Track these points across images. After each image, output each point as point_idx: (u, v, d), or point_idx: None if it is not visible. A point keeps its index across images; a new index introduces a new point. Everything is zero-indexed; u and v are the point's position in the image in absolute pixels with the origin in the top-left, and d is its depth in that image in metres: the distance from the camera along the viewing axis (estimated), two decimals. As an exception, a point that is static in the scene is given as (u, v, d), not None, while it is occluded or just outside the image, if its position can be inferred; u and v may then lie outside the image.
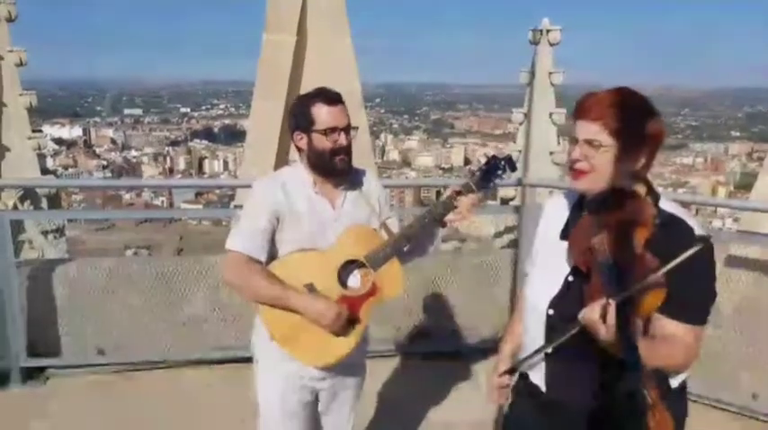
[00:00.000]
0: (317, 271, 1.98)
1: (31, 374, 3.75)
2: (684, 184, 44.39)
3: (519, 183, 4.17)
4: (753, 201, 4.72)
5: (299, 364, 2.03)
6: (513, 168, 2.00)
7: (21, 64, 5.90)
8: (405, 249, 2.06)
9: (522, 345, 1.65)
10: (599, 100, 1.42)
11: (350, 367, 2.13)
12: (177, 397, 3.58)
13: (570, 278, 1.48)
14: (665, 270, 1.25)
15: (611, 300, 1.24)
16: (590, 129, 1.42)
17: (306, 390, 2.12)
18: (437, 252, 2.21)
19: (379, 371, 3.75)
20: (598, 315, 1.25)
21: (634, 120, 1.40)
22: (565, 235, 1.53)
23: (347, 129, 1.99)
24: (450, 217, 1.98)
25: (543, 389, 1.57)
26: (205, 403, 3.50)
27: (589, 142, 1.42)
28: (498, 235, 6.42)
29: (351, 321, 1.99)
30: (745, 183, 37.50)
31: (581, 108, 1.45)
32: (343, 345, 2.00)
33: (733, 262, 3.95)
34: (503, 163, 1.97)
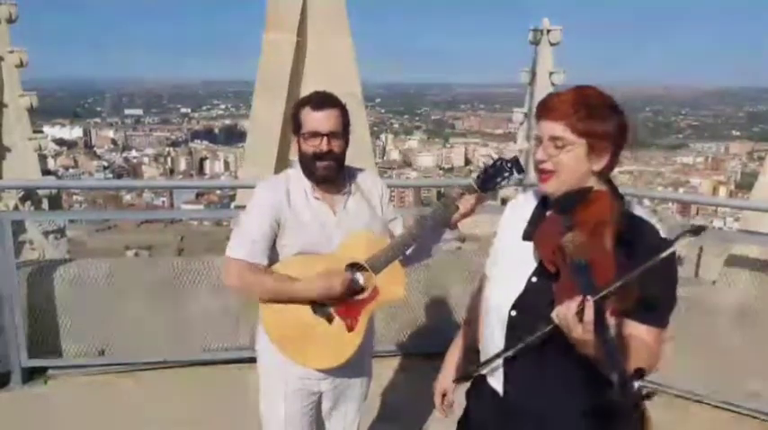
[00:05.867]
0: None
1: (31, 375, 3.75)
2: (685, 184, 44.42)
3: (519, 183, 4.17)
4: (753, 200, 4.73)
5: (300, 366, 2.02)
6: (520, 170, 1.94)
7: (21, 65, 5.92)
8: (407, 252, 2.04)
9: (482, 348, 1.62)
10: (562, 99, 1.42)
11: (354, 368, 2.11)
12: (178, 397, 3.58)
13: (534, 279, 1.46)
14: (641, 269, 1.23)
15: (588, 298, 1.22)
16: (554, 128, 1.41)
17: (308, 392, 2.11)
18: (438, 251, 2.19)
19: (380, 371, 3.74)
20: (574, 312, 1.24)
21: (597, 118, 1.39)
22: (528, 235, 1.51)
23: (332, 134, 1.94)
24: (454, 217, 1.97)
25: (501, 393, 1.54)
26: (206, 403, 3.50)
27: (554, 141, 1.42)
28: (499, 235, 6.42)
29: (354, 319, 1.98)
30: (745, 183, 37.51)
31: (544, 108, 1.45)
32: (344, 348, 1.99)
33: (733, 261, 3.96)
34: (509, 165, 1.92)
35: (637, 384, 1.44)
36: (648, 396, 1.10)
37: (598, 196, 1.42)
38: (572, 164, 1.41)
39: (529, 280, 1.46)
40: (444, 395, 1.76)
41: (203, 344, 3.93)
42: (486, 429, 1.61)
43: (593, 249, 1.31)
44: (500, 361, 1.51)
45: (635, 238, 1.35)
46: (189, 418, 3.35)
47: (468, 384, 1.68)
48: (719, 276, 3.83)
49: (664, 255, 1.24)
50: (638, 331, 1.37)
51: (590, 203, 1.40)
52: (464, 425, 1.70)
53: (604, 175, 1.46)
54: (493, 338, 1.53)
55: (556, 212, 1.45)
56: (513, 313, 1.47)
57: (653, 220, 1.43)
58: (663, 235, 1.40)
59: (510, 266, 1.53)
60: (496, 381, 1.55)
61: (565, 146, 1.41)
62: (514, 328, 1.46)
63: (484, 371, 1.58)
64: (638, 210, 1.46)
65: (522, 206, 1.61)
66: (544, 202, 1.53)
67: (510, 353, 1.47)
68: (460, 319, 4.07)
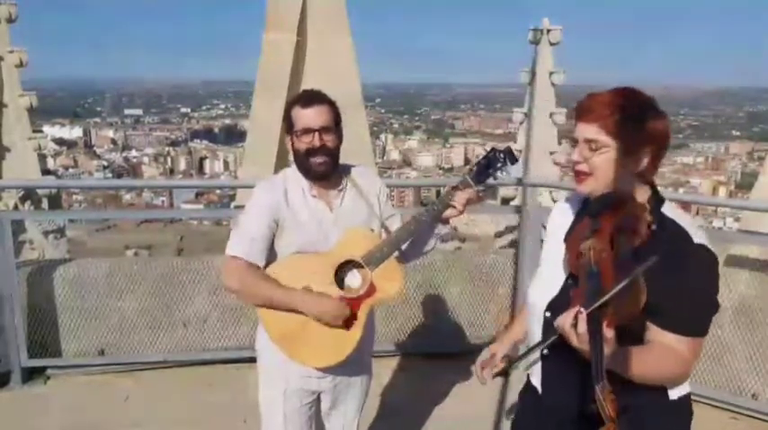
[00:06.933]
0: (314, 272, 1.96)
1: (31, 374, 3.76)
2: (685, 184, 44.37)
3: (519, 182, 4.17)
4: (753, 200, 4.73)
5: (299, 365, 2.02)
6: (514, 160, 1.93)
7: (21, 65, 5.92)
8: (404, 248, 2.05)
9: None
10: (598, 101, 1.41)
11: (353, 367, 2.12)
12: (178, 397, 3.59)
13: (570, 281, 1.47)
14: (633, 275, 1.19)
15: (581, 309, 1.21)
16: (589, 130, 1.40)
17: (308, 391, 2.12)
18: (436, 250, 2.18)
19: (380, 371, 3.74)
20: (570, 323, 1.24)
21: (633, 121, 1.37)
22: (567, 237, 1.52)
23: (324, 130, 1.95)
24: (447, 213, 1.96)
25: (540, 391, 1.57)
26: (206, 403, 3.50)
27: (588, 143, 1.41)
28: (498, 235, 6.43)
29: (351, 317, 1.98)
30: (745, 183, 37.50)
31: (580, 109, 1.44)
32: (343, 346, 1.99)
33: (733, 261, 3.96)
34: (502, 155, 1.91)
35: (688, 393, 1.43)
36: (625, 410, 1.10)
37: (629, 202, 1.39)
38: (606, 166, 1.40)
39: (565, 281, 1.48)
40: (486, 364, 1.72)
41: (203, 344, 3.93)
42: (528, 426, 1.65)
43: (607, 257, 1.30)
44: (537, 358, 1.54)
45: (664, 245, 1.32)
46: (189, 418, 3.35)
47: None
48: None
49: (643, 267, 1.19)
50: (667, 339, 1.36)
51: (616, 209, 1.37)
52: (514, 422, 1.74)
53: (645, 178, 1.45)
54: (533, 336, 1.56)
55: (588, 216, 1.45)
56: (548, 314, 1.49)
57: (688, 226, 1.40)
58: (697, 240, 1.36)
59: (551, 267, 1.55)
60: (536, 380, 1.58)
61: (599, 148, 1.39)
62: (549, 328, 1.47)
63: (523, 369, 1.61)
64: (675, 214, 1.43)
65: (569, 206, 1.62)
66: (585, 206, 1.53)
67: (538, 350, 1.50)
68: (460, 319, 4.12)
